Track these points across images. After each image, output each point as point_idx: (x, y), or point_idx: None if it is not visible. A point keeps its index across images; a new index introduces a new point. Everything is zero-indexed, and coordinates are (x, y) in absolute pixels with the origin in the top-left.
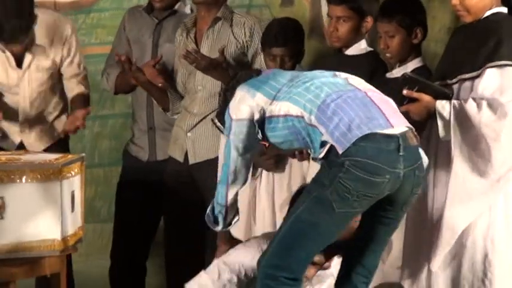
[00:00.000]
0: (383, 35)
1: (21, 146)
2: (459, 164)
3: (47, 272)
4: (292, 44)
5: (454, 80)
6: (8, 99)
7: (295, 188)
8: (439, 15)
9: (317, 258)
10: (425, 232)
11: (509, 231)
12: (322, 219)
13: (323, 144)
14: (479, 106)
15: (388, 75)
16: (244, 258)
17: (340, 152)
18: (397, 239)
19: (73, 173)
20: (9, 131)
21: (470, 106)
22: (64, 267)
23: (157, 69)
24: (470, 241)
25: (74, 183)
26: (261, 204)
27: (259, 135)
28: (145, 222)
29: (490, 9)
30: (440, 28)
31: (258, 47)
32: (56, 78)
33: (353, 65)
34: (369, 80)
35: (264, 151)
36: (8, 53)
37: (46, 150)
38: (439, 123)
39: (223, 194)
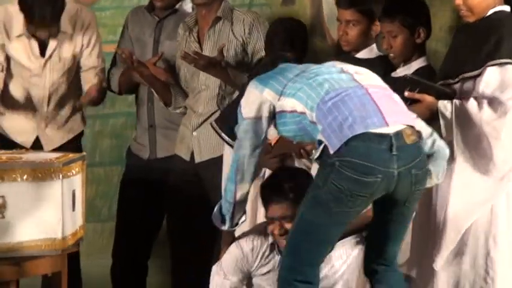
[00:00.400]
0: (386, 35)
1: (36, 144)
2: (462, 163)
3: (48, 271)
4: (297, 47)
5: (456, 80)
6: (26, 91)
7: None
8: (439, 14)
9: None
10: (429, 231)
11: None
12: (322, 219)
13: (320, 143)
14: (480, 105)
15: (393, 74)
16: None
17: (332, 151)
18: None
19: (74, 172)
20: (25, 128)
21: (471, 105)
22: (65, 266)
23: (160, 67)
24: (472, 239)
25: (74, 182)
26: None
27: (272, 130)
28: (147, 221)
29: (493, 8)
30: (441, 27)
31: (257, 44)
32: (73, 71)
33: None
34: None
35: (268, 150)
36: (33, 41)
37: (61, 147)
38: (442, 122)
39: (232, 192)
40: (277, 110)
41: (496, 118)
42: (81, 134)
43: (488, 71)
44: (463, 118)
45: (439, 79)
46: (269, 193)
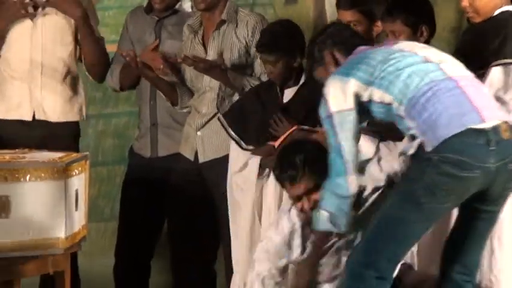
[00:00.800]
0: (389, 35)
1: (34, 122)
2: None
3: (51, 270)
4: (281, 52)
5: None
6: (18, 55)
7: None
8: (443, 14)
9: None
10: (438, 232)
11: None
12: (410, 215)
13: (413, 138)
14: None
15: None
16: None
17: (429, 149)
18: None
19: (77, 171)
20: (22, 100)
21: None
22: (68, 265)
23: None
24: None
25: (78, 182)
26: (266, 204)
27: None
28: (149, 221)
29: (499, 8)
30: (444, 27)
31: None
32: (71, 45)
33: None
34: None
35: (272, 152)
36: None
37: (58, 126)
38: None
39: (346, 186)
40: (364, 99)
41: None
42: (78, 133)
43: (493, 71)
44: None
45: None
46: (284, 174)
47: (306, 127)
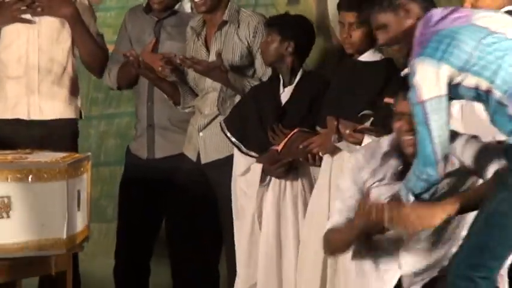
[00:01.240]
0: None
1: (32, 122)
2: None
3: (53, 271)
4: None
5: None
6: (15, 55)
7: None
8: None
9: None
10: None
11: None
12: None
13: None
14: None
15: (402, 74)
16: None
17: None
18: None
19: (79, 172)
20: (19, 100)
21: (479, 105)
22: (70, 266)
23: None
24: None
25: (80, 182)
26: (266, 213)
27: None
28: (147, 221)
29: (502, 8)
30: None
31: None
32: (68, 44)
33: (369, 72)
34: (384, 87)
35: (274, 157)
36: None
37: (54, 123)
38: None
39: (435, 175)
40: (454, 82)
41: None
42: (77, 132)
43: None
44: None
45: None
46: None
47: (306, 130)
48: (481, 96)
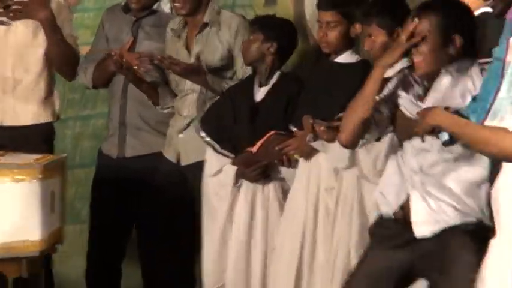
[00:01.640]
0: (366, 37)
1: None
2: None
3: (26, 273)
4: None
5: None
6: None
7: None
8: None
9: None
10: None
11: None
12: None
13: None
14: None
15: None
16: None
17: None
18: (344, 241)
19: (53, 173)
20: None
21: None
22: (43, 268)
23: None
24: None
25: (54, 184)
26: (236, 215)
27: None
28: (119, 222)
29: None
30: None
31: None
32: (43, 47)
33: (346, 73)
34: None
35: (249, 159)
36: None
37: (30, 128)
38: None
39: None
40: None
41: None
42: (52, 134)
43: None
44: None
45: None
46: None
47: (283, 132)
48: None
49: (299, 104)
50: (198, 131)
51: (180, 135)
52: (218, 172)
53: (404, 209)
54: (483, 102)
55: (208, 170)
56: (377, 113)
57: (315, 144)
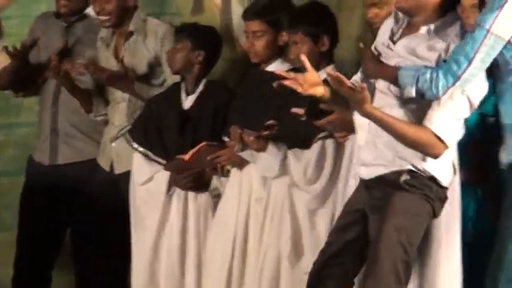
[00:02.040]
0: (292, 45)
1: None
2: None
3: None
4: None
5: None
6: None
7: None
8: (347, 23)
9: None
10: None
11: None
12: None
13: None
14: None
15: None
16: None
17: None
18: (273, 250)
19: None
20: None
21: None
22: None
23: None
24: None
25: None
26: (169, 223)
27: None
28: (50, 230)
29: None
30: (349, 36)
31: None
32: None
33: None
34: (292, 96)
35: (181, 167)
36: None
37: None
38: None
39: (440, 90)
40: None
41: None
42: None
43: None
44: None
45: None
46: None
47: (214, 143)
48: None
49: (229, 114)
50: (130, 142)
51: (113, 144)
52: (148, 180)
53: None
54: (455, 67)
55: (137, 178)
56: None
57: (244, 154)
